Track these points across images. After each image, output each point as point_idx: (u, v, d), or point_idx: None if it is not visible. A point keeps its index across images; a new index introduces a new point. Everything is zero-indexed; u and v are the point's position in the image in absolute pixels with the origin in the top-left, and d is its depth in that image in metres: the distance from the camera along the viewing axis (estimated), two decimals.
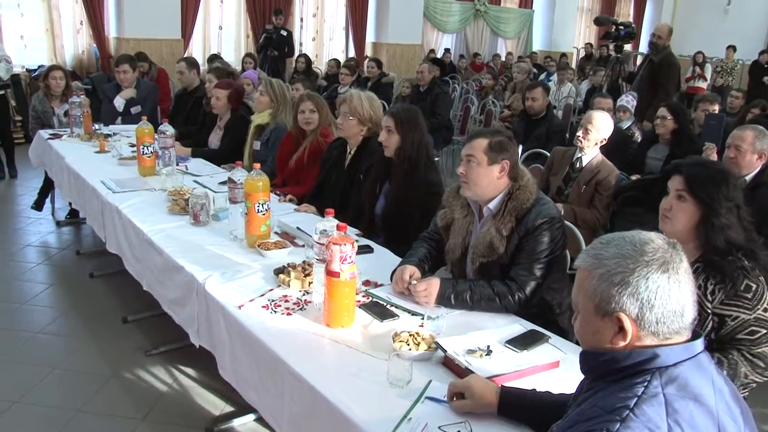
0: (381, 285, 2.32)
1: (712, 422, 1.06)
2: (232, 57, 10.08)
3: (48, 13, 8.58)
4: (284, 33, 9.39)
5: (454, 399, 1.58)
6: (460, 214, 2.38)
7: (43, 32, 8.63)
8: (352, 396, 1.63)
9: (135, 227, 2.89)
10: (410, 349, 1.80)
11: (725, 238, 1.89)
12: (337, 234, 1.94)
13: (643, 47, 15.00)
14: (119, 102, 5.21)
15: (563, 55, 13.55)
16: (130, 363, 3.06)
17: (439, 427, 1.51)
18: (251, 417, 2.63)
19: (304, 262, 2.38)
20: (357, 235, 2.77)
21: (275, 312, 2.08)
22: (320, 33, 11.63)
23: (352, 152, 3.33)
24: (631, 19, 16.09)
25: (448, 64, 12.01)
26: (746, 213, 1.95)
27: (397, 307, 2.14)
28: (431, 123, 6.24)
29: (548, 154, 4.19)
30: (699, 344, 1.13)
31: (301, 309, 2.11)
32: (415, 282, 2.17)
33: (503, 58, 13.38)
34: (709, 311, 1.89)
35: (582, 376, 1.24)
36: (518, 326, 2.02)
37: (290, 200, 3.41)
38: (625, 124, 5.19)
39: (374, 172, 3.10)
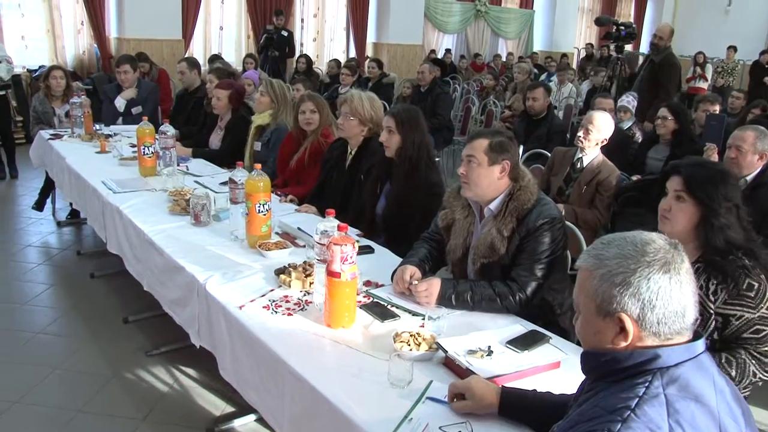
0: (382, 285, 2.32)
1: (714, 423, 1.06)
2: (233, 57, 10.09)
3: (49, 13, 8.59)
4: (285, 33, 9.40)
5: (455, 400, 1.58)
6: (461, 214, 2.38)
7: (44, 32, 8.64)
8: (353, 396, 1.63)
9: (136, 228, 2.89)
10: (411, 350, 1.80)
11: (725, 238, 1.89)
12: (338, 234, 1.94)
13: (644, 47, 15.01)
14: (120, 102, 5.21)
15: (564, 55, 13.55)
16: (131, 363, 3.06)
17: (439, 428, 1.51)
18: (252, 417, 2.63)
19: (304, 262, 2.38)
20: (358, 235, 2.77)
21: (276, 312, 2.08)
22: (321, 33, 11.64)
23: (353, 152, 3.33)
24: (631, 20, 16.10)
25: (448, 65, 12.02)
26: (745, 213, 1.95)
27: (397, 307, 2.14)
28: (432, 123, 6.24)
29: (549, 155, 4.19)
30: (700, 345, 1.13)
31: (301, 309, 2.11)
32: (416, 282, 2.17)
33: (504, 59, 13.38)
34: (712, 311, 1.89)
35: (583, 377, 1.24)
36: (519, 327, 2.02)
37: (291, 200, 3.41)
38: (626, 125, 5.18)
39: (375, 172, 3.10)
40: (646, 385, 1.07)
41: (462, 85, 9.98)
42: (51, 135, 4.70)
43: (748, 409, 1.18)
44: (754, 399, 2.06)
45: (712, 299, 1.89)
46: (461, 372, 1.72)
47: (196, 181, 3.64)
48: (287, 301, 2.16)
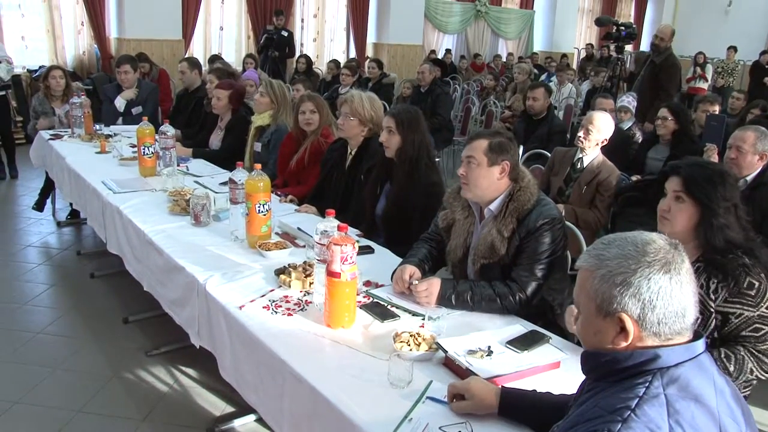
0: (382, 285, 2.32)
1: (713, 423, 1.06)
2: (233, 58, 10.09)
3: (49, 13, 8.59)
4: (285, 34, 9.40)
5: (454, 400, 1.58)
6: (461, 215, 2.38)
7: (44, 33, 8.64)
8: (353, 396, 1.63)
9: (136, 228, 2.89)
10: (411, 350, 1.80)
11: (724, 238, 1.89)
12: (338, 234, 1.94)
13: (644, 48, 15.01)
14: (120, 102, 5.21)
15: (564, 55, 13.56)
16: (131, 363, 3.06)
17: (439, 428, 1.51)
18: (252, 417, 2.63)
19: (304, 262, 2.38)
20: (358, 235, 2.77)
21: (276, 312, 2.08)
22: (321, 34, 11.64)
23: (353, 153, 3.33)
24: (632, 20, 16.10)
25: (448, 65, 12.03)
26: (744, 212, 1.96)
27: (397, 307, 2.14)
28: (432, 123, 6.25)
29: (549, 155, 4.19)
30: (700, 345, 1.13)
31: (301, 309, 2.11)
32: (415, 282, 2.17)
33: (504, 59, 13.38)
34: (712, 310, 1.90)
35: (583, 377, 1.24)
36: (519, 327, 2.01)
37: (291, 201, 3.41)
38: (626, 125, 5.19)
39: (375, 172, 3.10)
40: (646, 385, 1.07)
41: (462, 85, 9.98)
42: (51, 135, 4.70)
43: (748, 409, 1.18)
44: (754, 399, 2.06)
45: (713, 297, 1.89)
46: (461, 372, 1.72)
47: (196, 182, 3.64)
48: (287, 302, 2.16)
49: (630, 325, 1.10)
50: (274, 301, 2.14)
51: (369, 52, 11.93)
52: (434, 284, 2.13)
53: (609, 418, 1.04)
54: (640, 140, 4.96)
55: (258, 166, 2.67)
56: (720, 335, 1.92)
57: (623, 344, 1.12)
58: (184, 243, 2.68)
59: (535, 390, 1.59)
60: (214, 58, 7.69)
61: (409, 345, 1.81)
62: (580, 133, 3.73)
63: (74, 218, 5.06)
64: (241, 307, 2.10)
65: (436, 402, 1.61)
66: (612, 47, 7.58)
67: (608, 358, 1.13)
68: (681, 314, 1.10)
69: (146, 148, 3.67)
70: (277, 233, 2.81)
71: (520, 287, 2.14)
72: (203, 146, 4.55)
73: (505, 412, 1.53)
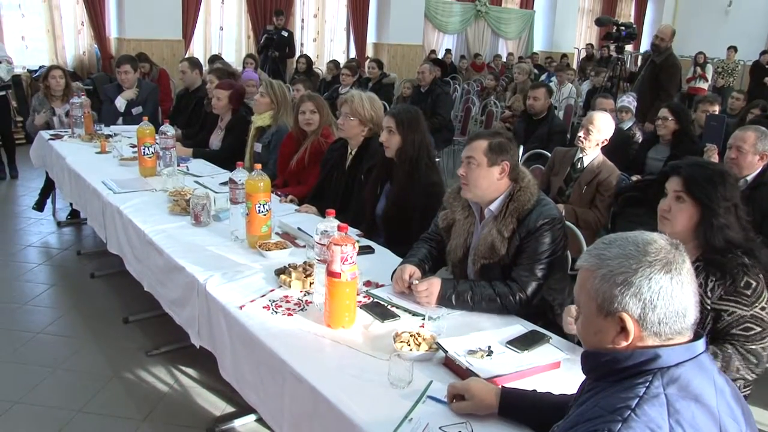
0: (382, 285, 2.32)
1: (714, 422, 1.06)
2: (233, 58, 10.09)
3: (49, 13, 8.59)
4: (285, 34, 9.40)
5: (454, 400, 1.58)
6: (461, 215, 2.38)
7: (44, 33, 8.64)
8: (353, 396, 1.63)
9: (136, 228, 2.89)
10: (411, 350, 1.80)
11: (724, 238, 1.89)
12: (338, 234, 1.94)
13: (644, 48, 15.01)
14: (121, 102, 5.21)
15: (564, 55, 13.55)
16: (131, 363, 3.06)
17: (440, 428, 1.51)
18: (252, 417, 2.63)
19: (305, 262, 2.38)
20: (358, 235, 2.77)
21: (276, 312, 2.08)
22: (321, 34, 11.64)
23: (353, 153, 3.33)
24: (632, 20, 16.11)
25: (449, 65, 12.03)
26: (744, 212, 1.96)
27: (398, 307, 2.14)
28: (432, 123, 6.25)
29: (549, 155, 4.19)
30: (700, 345, 1.13)
31: (302, 309, 2.11)
32: (416, 282, 2.17)
33: (504, 59, 13.39)
34: (709, 308, 1.90)
35: (583, 377, 1.24)
36: (519, 327, 2.01)
37: (291, 201, 3.41)
38: (626, 125, 5.19)
39: (375, 172, 3.10)
40: (647, 385, 1.07)
41: (462, 85, 9.98)
42: (51, 135, 4.70)
43: (748, 408, 1.18)
44: (754, 399, 2.06)
45: (710, 296, 1.89)
46: (461, 372, 1.72)
47: (196, 182, 3.64)
48: (287, 302, 2.16)
49: (630, 325, 1.10)
50: (274, 301, 2.14)
51: (369, 52, 11.93)
52: (434, 284, 2.13)
53: (609, 418, 1.04)
54: (640, 140, 4.96)
55: (258, 166, 2.67)
56: (711, 331, 1.92)
57: (623, 344, 1.12)
58: (184, 243, 2.68)
59: (535, 390, 1.59)
60: (214, 58, 7.69)
61: (409, 345, 1.81)
62: (581, 133, 3.73)
63: (74, 218, 5.06)
64: (241, 307, 2.10)
65: (436, 402, 1.61)
66: (612, 47, 7.59)
67: (608, 357, 1.13)
68: (682, 314, 1.10)
69: (146, 148, 3.67)
70: (277, 233, 2.81)
71: (521, 287, 2.14)
72: (203, 146, 4.55)
73: (505, 412, 1.53)
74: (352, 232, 2.62)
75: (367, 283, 2.33)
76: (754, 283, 1.86)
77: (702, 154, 3.90)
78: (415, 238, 2.54)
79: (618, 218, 3.80)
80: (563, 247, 2.27)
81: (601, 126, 3.69)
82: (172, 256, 2.53)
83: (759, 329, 1.87)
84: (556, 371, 1.79)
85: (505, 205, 2.23)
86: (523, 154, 4.83)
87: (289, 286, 2.25)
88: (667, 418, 1.02)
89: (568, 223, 2.66)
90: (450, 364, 1.78)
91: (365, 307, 2.12)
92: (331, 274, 1.91)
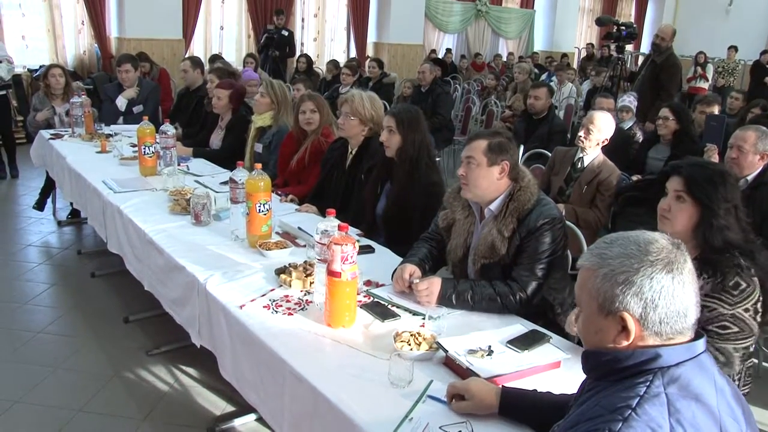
0: (382, 285, 2.32)
1: (714, 422, 1.06)
2: (233, 57, 10.10)
3: (49, 13, 8.59)
4: (285, 33, 9.41)
5: (453, 400, 1.58)
6: (461, 215, 2.38)
7: (44, 32, 8.64)
8: (353, 396, 1.63)
9: (136, 227, 2.89)
10: (411, 349, 1.80)
11: (723, 239, 1.89)
12: (339, 234, 1.94)
13: (645, 48, 15.01)
14: (121, 102, 5.22)
15: (564, 55, 13.55)
16: (132, 363, 3.06)
17: (440, 427, 1.51)
18: (252, 417, 2.64)
19: (305, 262, 2.38)
20: (358, 235, 2.77)
21: (276, 312, 2.08)
22: (321, 33, 11.64)
23: (354, 152, 3.33)
24: (632, 20, 16.11)
25: (449, 65, 12.03)
26: (744, 214, 1.95)
27: (398, 307, 2.14)
28: (432, 123, 6.24)
29: (549, 155, 4.19)
30: (701, 344, 1.13)
31: (302, 309, 2.11)
32: (416, 281, 2.17)
33: (504, 59, 13.39)
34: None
35: (584, 376, 1.24)
36: (519, 326, 2.01)
37: (291, 200, 3.41)
38: (627, 125, 5.19)
39: (375, 172, 3.10)
40: (647, 384, 1.07)
41: (462, 84, 9.98)
42: (51, 135, 4.70)
43: (749, 408, 1.18)
44: (754, 399, 2.06)
45: (701, 293, 1.89)
46: (462, 372, 1.72)
47: (197, 181, 3.65)
48: (288, 301, 2.16)
49: (631, 324, 1.10)
50: (274, 301, 2.14)
51: (369, 51, 11.93)
52: (435, 283, 2.13)
53: (610, 417, 1.04)
54: (640, 140, 4.95)
55: (258, 165, 2.67)
56: None
57: (624, 343, 1.12)
58: (184, 242, 2.68)
59: (535, 390, 1.59)
60: (215, 58, 7.69)
61: (409, 344, 1.81)
62: (581, 133, 3.73)
63: (75, 218, 5.06)
64: (241, 307, 2.10)
65: (436, 401, 1.61)
66: (612, 47, 7.59)
67: (609, 357, 1.13)
68: (683, 314, 1.10)
69: (147, 148, 3.67)
70: (277, 233, 2.81)
71: (521, 287, 2.14)
72: (204, 146, 4.55)
73: (505, 411, 1.53)
74: (353, 231, 2.62)
75: (368, 283, 2.33)
76: (744, 285, 1.85)
77: (702, 154, 3.90)
78: (416, 237, 2.54)
79: (618, 218, 3.80)
80: (563, 247, 2.27)
81: (602, 125, 3.69)
82: (172, 256, 2.54)
83: (736, 329, 1.85)
84: (556, 371, 1.79)
85: (505, 205, 2.23)
86: (524, 153, 4.82)
87: (290, 286, 2.25)
88: (668, 417, 1.02)
89: (568, 222, 2.65)
90: (450, 364, 1.78)
91: (365, 306, 2.12)
92: (332, 273, 1.91)
